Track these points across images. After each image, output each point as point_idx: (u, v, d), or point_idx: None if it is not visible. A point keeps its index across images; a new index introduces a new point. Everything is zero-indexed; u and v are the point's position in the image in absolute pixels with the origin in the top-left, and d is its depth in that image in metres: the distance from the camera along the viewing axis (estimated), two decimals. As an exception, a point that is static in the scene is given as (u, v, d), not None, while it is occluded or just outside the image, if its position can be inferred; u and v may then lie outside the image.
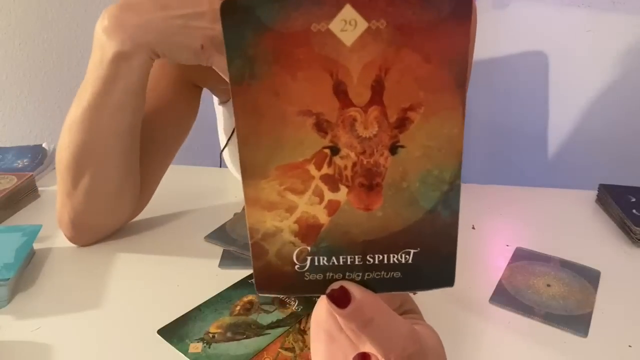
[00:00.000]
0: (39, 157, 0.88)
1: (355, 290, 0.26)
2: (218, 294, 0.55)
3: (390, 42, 0.22)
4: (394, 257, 0.26)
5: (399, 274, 0.27)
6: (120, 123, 0.57)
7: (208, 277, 0.59)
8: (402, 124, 0.24)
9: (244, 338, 0.49)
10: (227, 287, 0.56)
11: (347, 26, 0.22)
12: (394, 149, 0.24)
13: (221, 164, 0.85)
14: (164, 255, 0.63)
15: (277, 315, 0.52)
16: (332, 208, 0.25)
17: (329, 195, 0.25)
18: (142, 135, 0.62)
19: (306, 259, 0.26)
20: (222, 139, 0.81)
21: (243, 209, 0.78)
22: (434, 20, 0.22)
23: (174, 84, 0.66)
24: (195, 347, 0.48)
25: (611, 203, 0.72)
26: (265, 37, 0.22)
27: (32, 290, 0.56)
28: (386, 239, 0.26)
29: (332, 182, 0.25)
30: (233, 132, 0.77)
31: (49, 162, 0.88)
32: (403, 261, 0.26)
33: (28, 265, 0.60)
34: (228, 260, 0.61)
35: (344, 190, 0.25)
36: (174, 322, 0.51)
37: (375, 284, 0.27)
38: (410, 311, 0.31)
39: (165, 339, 0.49)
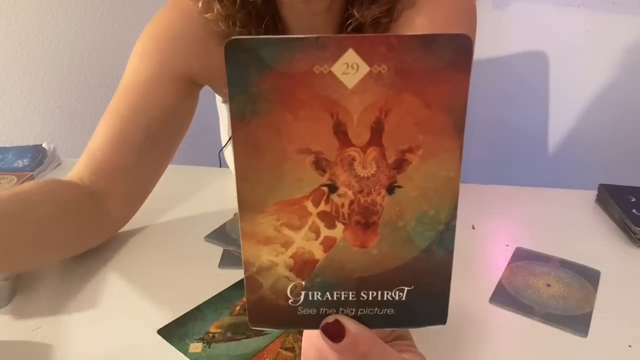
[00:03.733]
0: (39, 157, 0.88)
1: (350, 324, 0.26)
2: (218, 294, 0.55)
3: (391, 86, 0.23)
4: (387, 294, 0.27)
5: (392, 310, 0.27)
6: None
7: (208, 277, 0.59)
8: (400, 165, 0.24)
9: (244, 338, 0.49)
10: (227, 287, 0.56)
11: (349, 69, 0.23)
12: (391, 189, 0.25)
13: (221, 163, 0.85)
14: (164, 255, 0.63)
15: (277, 315, 0.52)
16: (328, 244, 0.26)
17: (325, 231, 0.26)
18: (136, 133, 0.61)
19: (300, 294, 0.27)
20: (224, 138, 0.80)
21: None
22: (434, 67, 0.23)
23: (173, 83, 0.65)
24: (195, 347, 0.48)
25: (611, 203, 0.72)
26: (268, 76, 0.23)
27: (32, 290, 0.56)
28: (381, 276, 0.26)
29: (329, 219, 0.25)
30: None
31: (49, 162, 0.88)
32: (397, 298, 0.27)
33: (28, 265, 0.60)
34: (228, 260, 0.61)
35: (340, 227, 0.26)
36: (174, 322, 0.51)
37: (368, 320, 0.27)
38: (401, 337, 0.31)
39: (165, 339, 0.49)
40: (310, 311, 0.27)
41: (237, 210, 0.25)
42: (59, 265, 0.61)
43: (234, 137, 0.24)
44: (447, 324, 0.27)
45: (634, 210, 0.69)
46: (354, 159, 0.24)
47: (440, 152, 0.24)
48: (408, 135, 0.24)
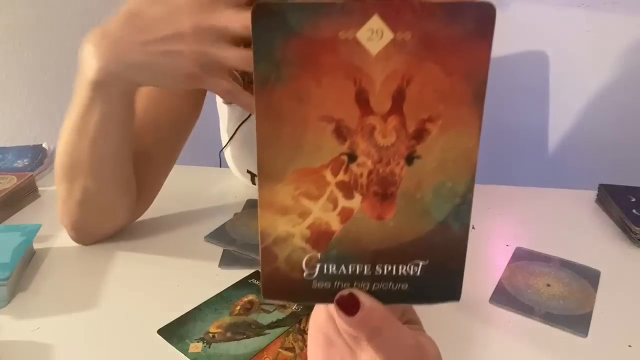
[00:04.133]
0: (39, 157, 0.88)
1: (364, 298, 0.26)
2: (218, 294, 0.55)
3: (414, 54, 0.23)
4: (402, 268, 0.26)
5: (407, 286, 0.27)
6: (103, 148, 0.55)
7: (208, 277, 0.59)
8: (420, 134, 0.24)
9: (244, 338, 0.49)
10: (227, 287, 0.56)
11: (374, 36, 0.23)
12: (410, 159, 0.25)
13: (221, 163, 0.85)
14: (164, 255, 0.63)
15: (277, 315, 0.52)
16: (346, 215, 0.26)
17: (343, 202, 0.25)
18: (144, 138, 0.62)
19: (315, 266, 0.26)
20: (224, 138, 0.81)
21: (243, 208, 0.77)
22: (457, 35, 0.23)
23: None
24: (195, 347, 0.48)
25: (611, 203, 0.72)
26: (293, 41, 0.23)
27: (32, 290, 0.56)
28: (396, 249, 0.26)
29: (347, 189, 0.25)
30: (235, 132, 0.76)
31: (49, 162, 0.88)
32: (411, 273, 0.27)
33: (28, 265, 0.60)
34: (228, 260, 0.61)
35: (358, 198, 0.25)
36: (174, 322, 0.51)
37: (382, 295, 0.27)
38: (411, 321, 0.31)
39: (165, 339, 0.49)
40: (325, 285, 0.27)
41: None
42: (59, 265, 0.61)
43: (257, 104, 0.24)
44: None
45: (634, 210, 0.69)
46: (374, 128, 0.24)
47: (460, 122, 0.24)
48: (429, 105, 0.24)
